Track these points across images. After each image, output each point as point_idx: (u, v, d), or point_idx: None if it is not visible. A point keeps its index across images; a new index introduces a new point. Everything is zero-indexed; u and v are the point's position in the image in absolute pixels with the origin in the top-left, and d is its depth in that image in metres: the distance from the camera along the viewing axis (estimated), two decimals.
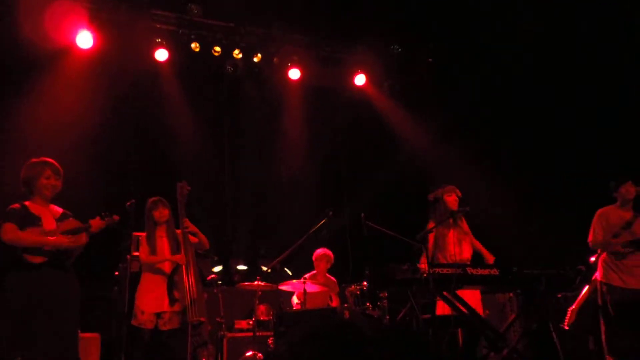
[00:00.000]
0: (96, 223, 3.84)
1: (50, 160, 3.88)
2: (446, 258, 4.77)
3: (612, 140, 6.46)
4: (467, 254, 4.87)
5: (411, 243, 4.72)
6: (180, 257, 4.63)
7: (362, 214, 5.17)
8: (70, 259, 3.81)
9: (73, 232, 3.74)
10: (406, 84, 8.28)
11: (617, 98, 6.60)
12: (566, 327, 4.83)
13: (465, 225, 4.98)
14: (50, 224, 3.76)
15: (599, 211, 4.84)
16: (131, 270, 5.30)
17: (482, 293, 4.88)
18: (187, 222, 4.74)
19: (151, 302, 4.55)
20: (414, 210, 5.30)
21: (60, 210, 3.91)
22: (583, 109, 6.76)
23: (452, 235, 4.81)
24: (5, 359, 3.49)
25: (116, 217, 3.95)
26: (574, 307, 4.89)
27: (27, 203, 3.78)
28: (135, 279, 4.92)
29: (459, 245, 4.81)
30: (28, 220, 3.67)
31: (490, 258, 4.87)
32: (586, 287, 4.88)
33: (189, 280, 4.60)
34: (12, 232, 3.57)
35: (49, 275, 3.64)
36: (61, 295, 3.68)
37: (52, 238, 3.66)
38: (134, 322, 4.54)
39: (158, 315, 4.54)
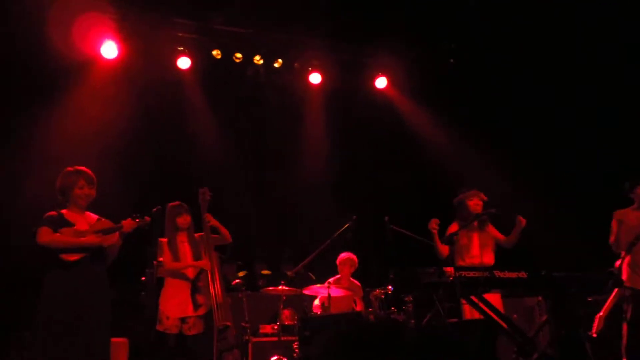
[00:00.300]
0: (128, 223, 3.97)
1: (84, 169, 4.01)
2: (465, 262, 4.71)
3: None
4: (488, 259, 4.80)
5: (436, 246, 4.68)
6: (204, 263, 4.67)
7: (386, 217, 5.15)
8: (104, 258, 3.93)
9: (104, 231, 3.88)
10: (428, 86, 8.22)
11: None
12: (594, 335, 4.70)
13: (491, 231, 4.91)
14: (84, 227, 3.91)
15: (616, 213, 4.79)
16: (157, 275, 5.37)
17: (509, 297, 4.80)
18: (209, 217, 4.78)
19: (175, 307, 4.60)
20: (437, 212, 5.25)
21: (95, 217, 4.05)
22: (612, 111, 6.63)
23: (475, 239, 4.75)
24: (40, 357, 3.63)
25: (147, 218, 4.06)
26: (601, 314, 4.77)
27: (63, 211, 3.93)
28: (159, 284, 4.97)
29: (481, 250, 4.75)
30: (62, 224, 3.84)
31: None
32: (614, 293, 4.74)
33: (214, 285, 4.63)
34: (46, 235, 3.74)
35: (83, 272, 3.78)
36: (95, 292, 3.81)
37: (83, 239, 3.81)
38: (159, 328, 4.59)
39: (183, 320, 4.59)
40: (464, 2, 7.07)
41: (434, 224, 4.79)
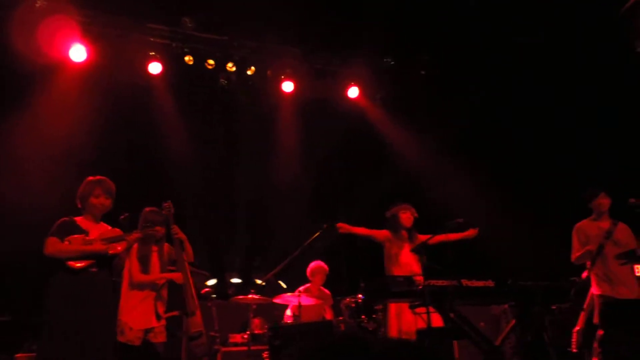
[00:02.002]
0: (135, 233, 4.08)
1: (105, 179, 4.07)
2: (396, 270, 4.84)
3: (612, 154, 6.54)
4: (417, 268, 4.89)
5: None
6: (177, 276, 4.57)
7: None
8: (110, 267, 3.98)
9: (110, 239, 3.93)
10: (399, 96, 8.34)
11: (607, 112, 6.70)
12: (574, 350, 4.76)
13: (422, 239, 5.02)
14: (95, 236, 3.97)
15: (576, 226, 4.87)
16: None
17: (475, 305, 4.89)
18: (176, 229, 4.69)
19: (139, 318, 4.45)
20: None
21: (109, 227, 4.10)
22: (582, 118, 6.84)
23: (407, 250, 4.92)
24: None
25: (159, 228, 4.23)
26: (578, 327, 4.80)
27: (77, 218, 3.99)
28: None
29: (414, 259, 4.89)
30: (73, 230, 3.89)
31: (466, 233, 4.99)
32: (586, 305, 4.81)
33: (188, 294, 4.57)
34: (52, 246, 3.81)
35: (88, 279, 3.83)
36: (99, 299, 3.85)
37: (88, 246, 3.86)
38: (121, 339, 4.40)
39: (146, 331, 4.47)
40: (436, 15, 7.22)
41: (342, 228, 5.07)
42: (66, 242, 3.83)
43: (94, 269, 3.86)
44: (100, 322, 3.81)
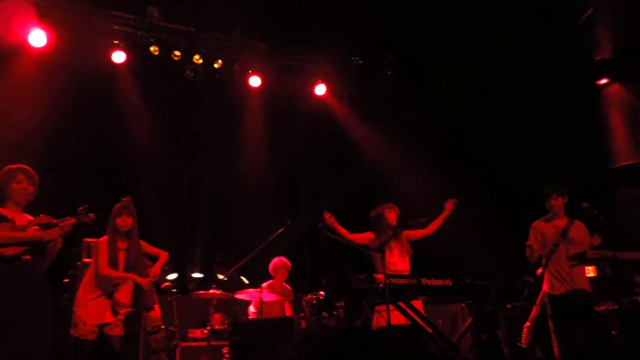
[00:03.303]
0: (69, 219, 3.77)
1: (24, 166, 3.82)
2: (389, 271, 4.85)
3: (564, 152, 6.76)
4: (404, 265, 4.98)
5: (366, 253, 4.81)
6: (144, 282, 4.45)
7: (320, 223, 5.19)
8: (43, 256, 3.73)
9: (45, 225, 3.69)
10: (366, 95, 8.41)
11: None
12: (524, 345, 4.87)
13: (409, 235, 5.09)
14: (22, 223, 3.71)
15: (533, 225, 4.94)
16: (81, 277, 5.14)
17: (433, 303, 4.99)
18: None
19: (94, 312, 4.35)
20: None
21: (33, 218, 3.83)
22: (543, 117, 7.05)
23: (395, 248, 4.94)
24: None
25: (92, 215, 3.88)
26: (528, 323, 4.86)
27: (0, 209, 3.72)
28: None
29: (401, 258, 4.94)
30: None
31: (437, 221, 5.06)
32: (538, 301, 4.95)
33: (147, 290, 4.50)
34: None
35: (22, 268, 3.59)
36: (35, 289, 3.62)
37: (22, 233, 3.62)
38: (73, 332, 4.31)
39: (101, 325, 4.36)
40: (403, 15, 7.32)
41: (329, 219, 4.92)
42: None
43: (27, 257, 3.62)
44: (37, 313, 3.58)
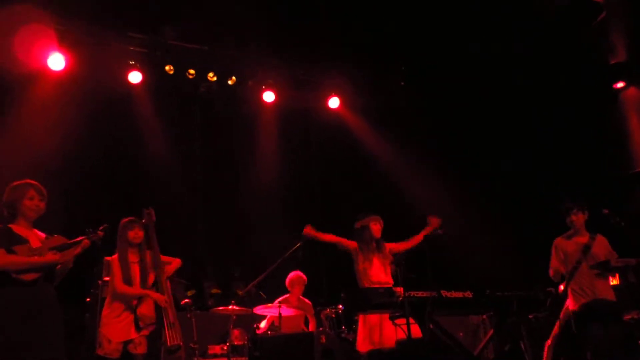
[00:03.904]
0: (84, 241, 3.75)
1: (33, 182, 3.80)
2: (371, 282, 4.83)
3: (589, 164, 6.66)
4: (387, 278, 4.94)
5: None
6: (161, 298, 4.49)
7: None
8: (53, 277, 3.72)
9: (61, 248, 3.67)
10: (379, 107, 8.41)
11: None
12: None
13: (391, 248, 5.06)
14: (36, 244, 3.69)
15: (555, 242, 4.87)
16: (102, 295, 5.19)
17: (454, 315, 4.93)
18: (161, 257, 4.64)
19: (119, 330, 4.40)
20: (389, 230, 5.37)
21: (43, 235, 3.83)
22: (562, 130, 6.96)
23: (376, 261, 4.91)
24: None
25: (101, 233, 3.86)
26: (549, 342, 4.81)
27: (11, 226, 3.69)
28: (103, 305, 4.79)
29: (383, 270, 4.91)
30: (14, 240, 3.60)
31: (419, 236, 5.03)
32: (558, 321, 4.86)
33: (167, 305, 4.52)
34: (1, 259, 3.50)
35: (38, 292, 3.58)
36: (49, 312, 3.60)
37: (41, 258, 3.60)
38: (99, 352, 4.35)
39: (125, 343, 4.40)
40: (414, 27, 7.34)
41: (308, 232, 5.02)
42: (15, 250, 3.53)
43: (42, 281, 3.59)
44: (50, 340, 3.55)
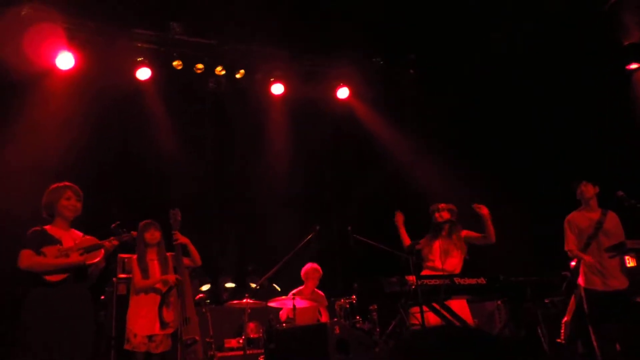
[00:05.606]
0: (113, 240, 3.88)
1: (70, 183, 3.94)
2: (429, 269, 4.81)
3: (598, 147, 6.57)
4: (450, 265, 4.89)
5: (399, 255, 4.76)
6: (172, 277, 4.65)
7: (349, 227, 5.21)
8: (86, 277, 3.81)
9: (88, 249, 3.76)
10: (389, 96, 8.35)
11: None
12: (563, 342, 4.78)
13: (465, 235, 5.01)
14: (69, 243, 3.80)
15: (567, 218, 4.87)
16: (117, 293, 5.26)
17: (470, 302, 4.90)
18: (177, 235, 4.76)
19: (143, 325, 4.56)
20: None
21: (80, 234, 3.94)
22: (566, 116, 6.88)
23: (437, 247, 4.86)
24: None
25: (134, 233, 4.05)
26: (566, 318, 4.82)
27: (47, 227, 3.81)
28: (121, 302, 4.87)
29: (444, 256, 4.85)
30: (46, 241, 3.71)
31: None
32: (573, 296, 4.85)
33: (183, 299, 4.63)
34: (28, 259, 3.62)
35: (67, 292, 3.67)
36: (78, 312, 3.69)
37: (65, 260, 3.69)
38: (127, 347, 4.53)
39: (150, 338, 4.53)
40: (423, 15, 7.24)
41: (398, 217, 5.16)
42: (45, 250, 3.66)
43: (71, 281, 3.69)
44: (79, 337, 3.64)
